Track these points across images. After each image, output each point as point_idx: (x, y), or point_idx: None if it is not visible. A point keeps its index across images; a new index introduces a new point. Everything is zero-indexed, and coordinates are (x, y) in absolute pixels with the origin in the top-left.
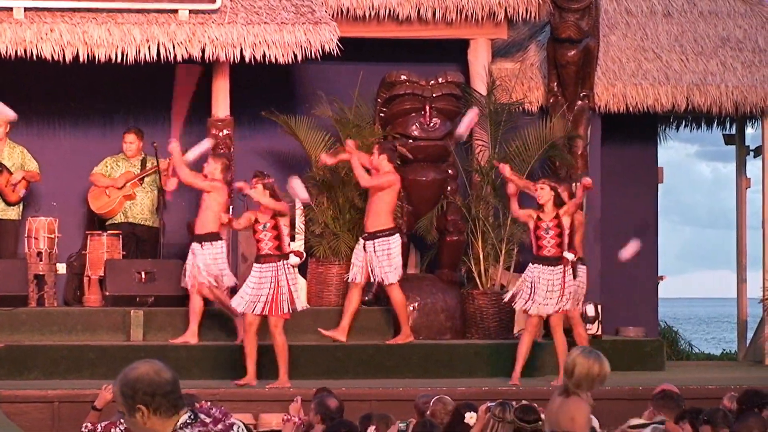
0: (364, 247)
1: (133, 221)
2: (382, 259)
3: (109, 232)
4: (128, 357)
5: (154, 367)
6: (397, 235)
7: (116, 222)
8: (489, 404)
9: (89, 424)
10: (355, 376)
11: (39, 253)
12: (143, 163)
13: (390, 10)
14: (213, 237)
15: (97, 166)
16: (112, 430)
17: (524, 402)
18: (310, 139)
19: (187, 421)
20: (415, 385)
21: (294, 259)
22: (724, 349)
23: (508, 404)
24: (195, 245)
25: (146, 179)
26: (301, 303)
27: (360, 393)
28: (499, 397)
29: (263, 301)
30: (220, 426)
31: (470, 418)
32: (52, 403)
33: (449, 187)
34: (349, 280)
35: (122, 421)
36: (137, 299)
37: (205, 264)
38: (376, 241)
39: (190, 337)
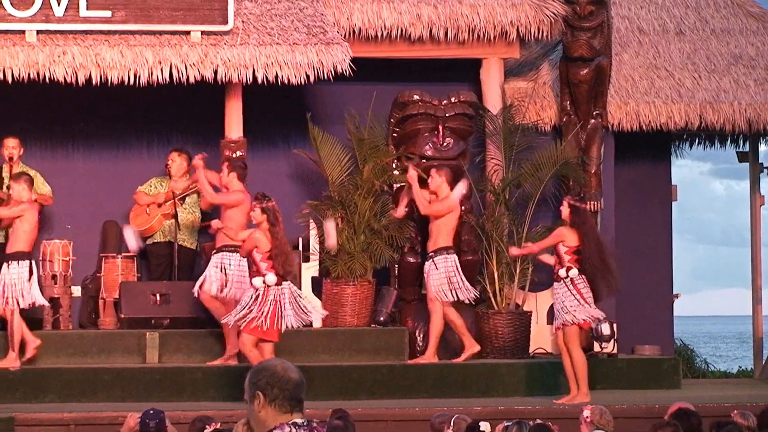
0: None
1: (172, 240)
2: None
3: (123, 254)
4: (144, 379)
5: (284, 364)
6: None
7: (156, 241)
8: (506, 423)
9: None
10: (370, 396)
11: (54, 276)
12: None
13: (402, 30)
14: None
15: (142, 185)
16: None
17: (539, 421)
18: (330, 160)
19: (298, 423)
20: (430, 405)
21: (270, 278)
22: (741, 367)
23: (525, 424)
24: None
25: (187, 199)
26: (291, 322)
27: (376, 413)
28: (516, 416)
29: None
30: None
31: (485, 426)
32: (68, 426)
33: (463, 207)
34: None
35: None
36: (153, 321)
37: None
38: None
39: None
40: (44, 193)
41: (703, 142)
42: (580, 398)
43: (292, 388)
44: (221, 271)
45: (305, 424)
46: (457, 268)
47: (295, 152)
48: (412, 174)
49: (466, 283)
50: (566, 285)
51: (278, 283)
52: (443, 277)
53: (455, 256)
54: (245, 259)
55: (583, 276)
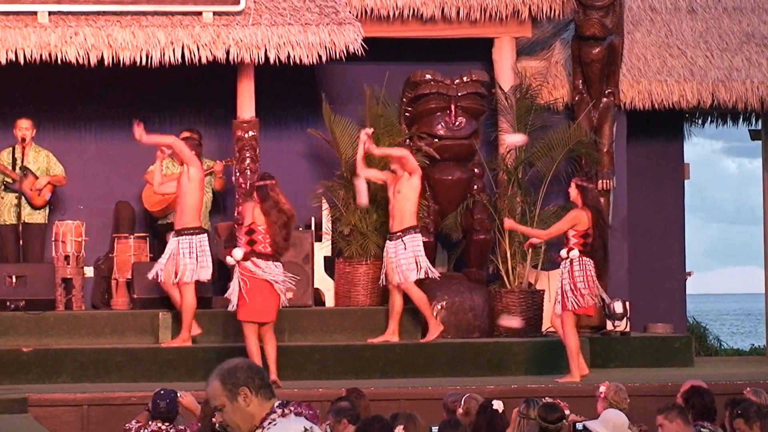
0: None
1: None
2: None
3: (136, 234)
4: (157, 359)
5: (245, 359)
6: None
7: (170, 221)
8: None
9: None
10: (383, 375)
11: (66, 257)
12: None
13: (414, 10)
14: None
15: (153, 165)
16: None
17: (548, 400)
18: (344, 139)
19: (284, 403)
20: (443, 384)
21: (236, 253)
22: (753, 345)
23: (534, 401)
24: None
25: None
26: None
27: (389, 393)
28: (528, 394)
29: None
30: (309, 411)
31: (498, 404)
32: (81, 406)
33: (475, 186)
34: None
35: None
36: (165, 301)
37: None
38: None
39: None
40: (57, 173)
41: (716, 121)
42: (570, 378)
43: (265, 376)
44: (182, 255)
45: (287, 403)
46: (422, 248)
47: (309, 132)
48: (370, 146)
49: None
50: (565, 267)
51: (244, 258)
52: (411, 257)
53: (420, 235)
54: (205, 241)
55: (585, 257)
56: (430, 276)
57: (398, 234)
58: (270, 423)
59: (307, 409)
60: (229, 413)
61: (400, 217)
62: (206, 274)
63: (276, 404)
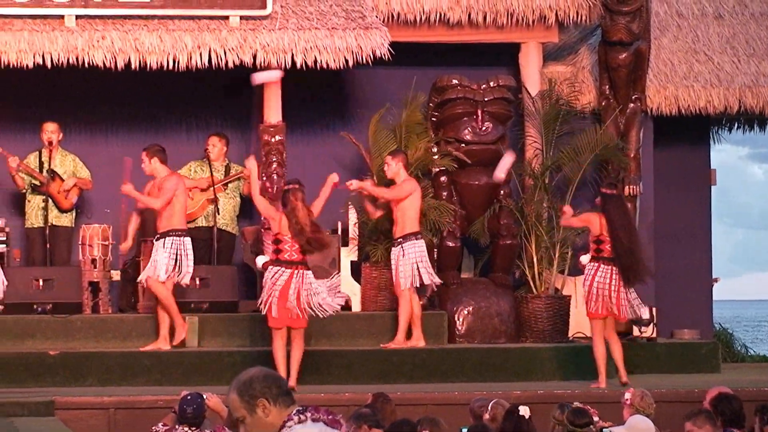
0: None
1: (212, 225)
2: None
3: None
4: (183, 363)
5: (262, 368)
6: None
7: (197, 225)
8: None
9: (162, 425)
10: (410, 380)
11: (93, 261)
12: (227, 168)
13: (441, 15)
14: None
15: (181, 169)
16: None
17: (577, 404)
18: (377, 144)
19: (301, 409)
20: (470, 389)
21: (258, 259)
22: None
23: (568, 406)
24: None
25: (230, 184)
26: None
27: (415, 397)
28: (555, 400)
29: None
30: (328, 416)
31: (525, 410)
32: (107, 409)
33: (502, 191)
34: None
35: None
36: (192, 305)
37: None
38: None
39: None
40: (83, 177)
41: (742, 126)
42: (597, 384)
43: (283, 383)
44: (162, 254)
45: (305, 409)
46: (424, 254)
47: (342, 135)
48: (356, 183)
49: (430, 268)
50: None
51: (264, 267)
52: (409, 264)
53: (423, 242)
54: (189, 245)
55: (600, 263)
56: (430, 282)
57: (399, 240)
58: (286, 430)
59: (326, 414)
60: (250, 425)
61: (401, 223)
62: (186, 278)
63: (294, 411)
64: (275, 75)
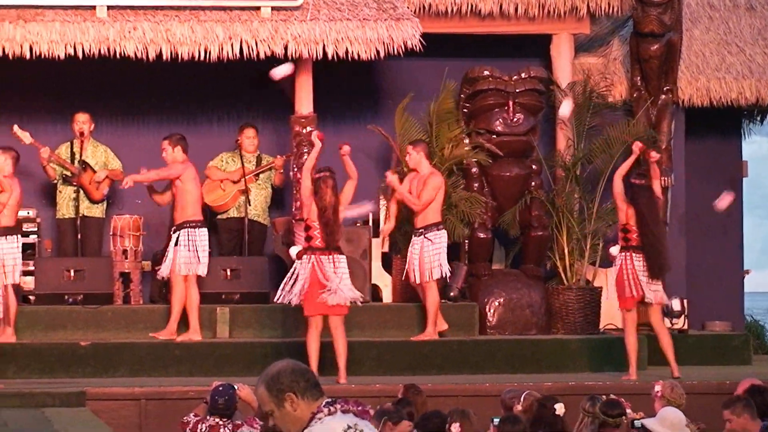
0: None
1: (243, 216)
2: None
3: None
4: (214, 354)
5: (290, 361)
6: None
7: (229, 216)
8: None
9: (193, 415)
10: (440, 371)
11: (124, 251)
12: (258, 159)
13: (472, 6)
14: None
15: (213, 160)
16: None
17: (611, 396)
18: (406, 136)
19: (330, 401)
20: (501, 381)
21: (292, 250)
22: None
23: (598, 399)
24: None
25: (261, 176)
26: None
27: (446, 389)
28: (586, 392)
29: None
30: (357, 408)
31: (560, 408)
32: (138, 400)
33: (533, 183)
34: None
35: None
36: (223, 296)
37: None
38: None
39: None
40: (115, 168)
41: None
42: (628, 376)
43: (311, 376)
44: (181, 247)
45: (334, 401)
46: (445, 245)
47: (370, 128)
48: (392, 179)
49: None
50: (615, 263)
51: (299, 256)
52: (435, 255)
53: (445, 232)
54: (205, 236)
55: (628, 252)
56: (441, 275)
57: (420, 231)
58: (316, 422)
59: (355, 406)
60: (279, 419)
61: (423, 213)
62: (203, 269)
63: (324, 402)
64: (289, 68)
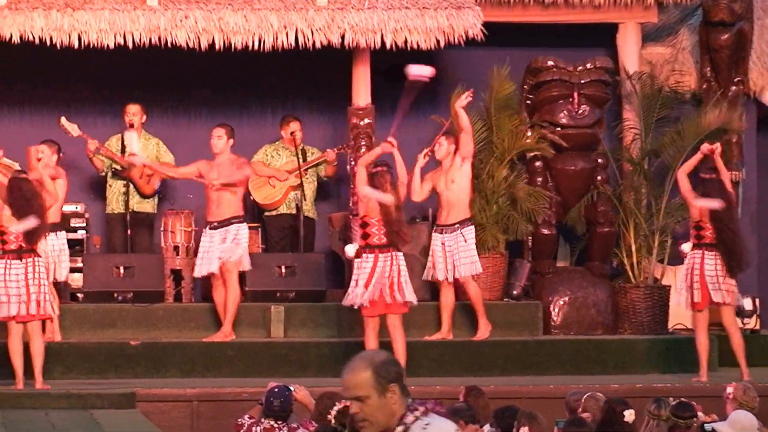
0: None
1: (295, 212)
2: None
3: (248, 225)
4: (269, 354)
5: (391, 353)
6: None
7: (279, 213)
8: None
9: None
10: (502, 373)
11: (176, 248)
12: (303, 152)
13: None
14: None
15: (256, 154)
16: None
17: (681, 399)
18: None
19: (417, 401)
20: (565, 382)
21: (348, 249)
22: None
23: (664, 401)
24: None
25: (309, 169)
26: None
27: (508, 391)
28: (654, 394)
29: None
30: (441, 409)
31: (630, 415)
32: (190, 402)
33: (599, 177)
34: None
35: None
36: (278, 294)
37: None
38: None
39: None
40: (167, 161)
41: None
42: (698, 378)
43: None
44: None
45: (419, 402)
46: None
47: (433, 119)
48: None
49: None
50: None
51: (358, 255)
52: (472, 249)
53: (473, 227)
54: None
55: (700, 249)
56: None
57: (455, 226)
58: (414, 421)
59: (439, 407)
60: (373, 407)
61: (456, 208)
62: (246, 263)
63: (410, 402)
64: (430, 71)
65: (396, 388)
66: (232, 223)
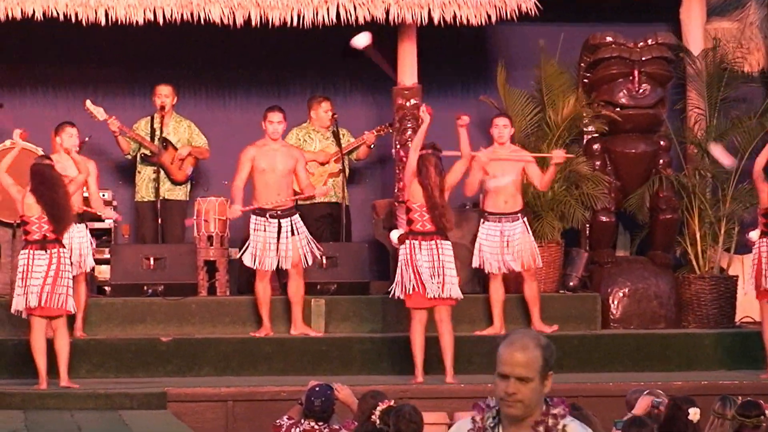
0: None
1: (331, 200)
2: None
3: None
4: (309, 350)
5: None
6: None
7: (314, 201)
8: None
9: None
10: (559, 369)
11: (209, 237)
12: (335, 134)
13: None
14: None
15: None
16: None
17: (748, 398)
18: (516, 108)
19: (555, 399)
20: (626, 379)
21: (392, 234)
22: None
23: (730, 400)
24: None
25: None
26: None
27: (566, 388)
28: (720, 391)
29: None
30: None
31: (694, 414)
32: (225, 401)
33: (661, 161)
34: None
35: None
36: (318, 287)
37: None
38: None
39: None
40: (200, 145)
41: None
42: (767, 375)
43: None
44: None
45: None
46: None
47: (482, 99)
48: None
49: None
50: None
51: (401, 241)
52: (533, 240)
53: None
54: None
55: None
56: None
57: (518, 214)
58: (558, 418)
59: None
60: (530, 391)
61: (516, 196)
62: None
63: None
64: (368, 37)
65: (551, 377)
66: (294, 213)
